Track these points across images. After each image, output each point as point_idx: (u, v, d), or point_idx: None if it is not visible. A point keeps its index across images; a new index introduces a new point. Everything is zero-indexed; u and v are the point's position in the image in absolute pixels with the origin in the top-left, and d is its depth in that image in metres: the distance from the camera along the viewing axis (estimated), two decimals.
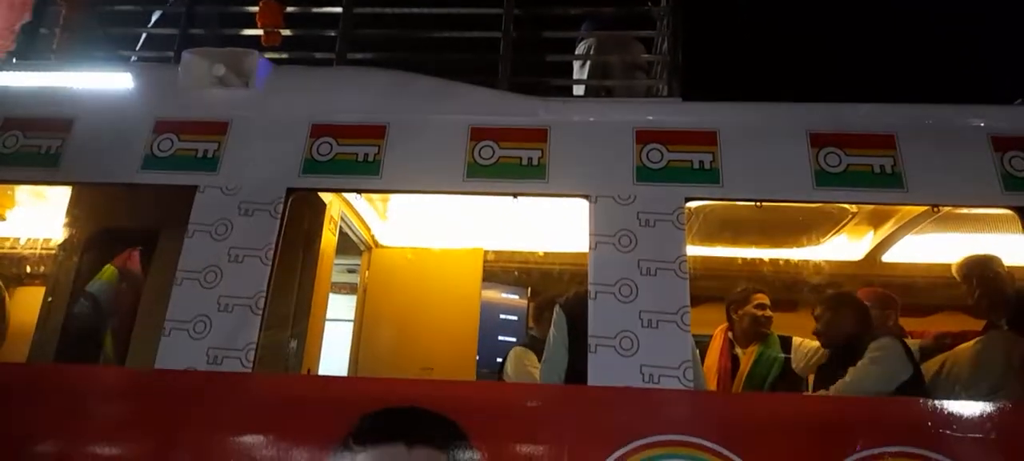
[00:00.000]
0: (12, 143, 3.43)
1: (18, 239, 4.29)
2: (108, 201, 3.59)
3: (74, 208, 3.66)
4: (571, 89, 3.85)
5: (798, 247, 4.24)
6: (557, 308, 3.24)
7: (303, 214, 3.47)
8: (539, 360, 3.36)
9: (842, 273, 4.21)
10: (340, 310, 4.67)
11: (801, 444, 2.60)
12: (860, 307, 3.44)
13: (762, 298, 3.84)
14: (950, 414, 2.60)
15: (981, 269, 3.22)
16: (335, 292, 4.52)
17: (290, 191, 3.18)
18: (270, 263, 3.02)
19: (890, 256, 4.25)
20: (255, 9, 3.94)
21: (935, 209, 3.41)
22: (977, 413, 2.61)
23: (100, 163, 3.35)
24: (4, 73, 3.65)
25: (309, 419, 2.70)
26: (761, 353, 3.76)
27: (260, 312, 2.93)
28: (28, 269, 4.17)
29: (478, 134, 3.25)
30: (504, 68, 3.66)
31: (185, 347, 2.88)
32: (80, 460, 2.75)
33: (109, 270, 3.53)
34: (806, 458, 2.57)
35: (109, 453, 2.76)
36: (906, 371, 3.06)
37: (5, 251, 4.29)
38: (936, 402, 2.67)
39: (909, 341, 3.43)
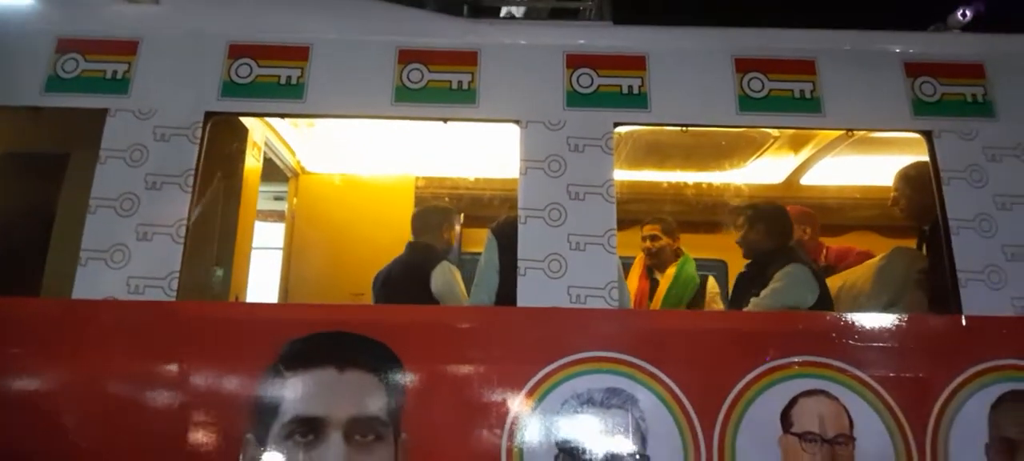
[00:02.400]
0: None
1: None
2: (12, 124, 3.37)
3: None
4: (499, 10, 3.78)
5: (722, 171, 4.38)
6: (488, 232, 3.27)
7: (224, 139, 3.34)
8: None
9: (763, 195, 4.38)
10: (269, 239, 4.59)
11: (717, 355, 2.75)
12: (779, 218, 3.59)
13: (651, 229, 4.06)
14: (853, 325, 2.80)
15: (919, 175, 3.34)
16: (262, 220, 4.43)
17: (209, 115, 3.05)
18: (190, 190, 2.91)
19: (808, 178, 4.44)
20: None
21: (850, 133, 3.57)
22: (877, 325, 2.80)
23: (0, 85, 3.12)
24: None
25: (237, 346, 2.69)
26: (677, 276, 3.95)
27: (182, 240, 2.84)
28: None
29: (406, 56, 3.17)
30: None
31: (103, 277, 2.78)
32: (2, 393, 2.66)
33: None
34: (722, 367, 2.72)
35: (31, 386, 2.68)
36: (812, 294, 3.24)
37: None
38: (841, 315, 2.86)
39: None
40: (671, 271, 3.96)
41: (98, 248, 2.83)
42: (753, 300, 3.27)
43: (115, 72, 3.11)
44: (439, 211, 3.86)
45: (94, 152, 2.97)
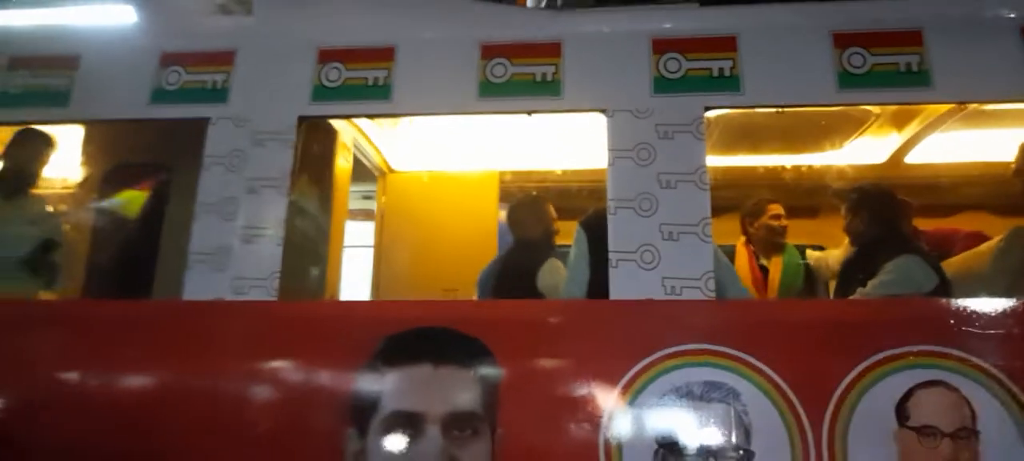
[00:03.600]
0: (21, 83, 3.40)
1: None
2: (121, 136, 3.58)
3: (88, 145, 3.66)
4: None
5: (820, 152, 4.17)
6: (578, 226, 3.23)
7: (315, 142, 3.44)
8: None
9: (864, 177, 4.15)
10: (358, 237, 4.71)
11: (823, 345, 2.61)
12: (885, 201, 3.38)
13: (776, 208, 3.83)
14: (973, 312, 2.60)
15: None
16: (351, 219, 4.55)
17: (302, 119, 3.15)
18: (286, 193, 3.02)
19: (913, 157, 4.18)
20: None
21: (961, 107, 3.33)
22: (999, 310, 2.60)
23: (110, 99, 3.33)
24: (5, 11, 3.59)
25: (336, 343, 2.76)
26: (787, 262, 3.78)
27: (281, 241, 2.95)
28: (49, 208, 4.21)
29: (490, 51, 3.17)
30: None
31: (210, 279, 2.92)
32: (118, 391, 2.83)
33: (135, 196, 3.54)
34: (829, 358, 2.58)
35: (146, 385, 2.84)
36: (929, 283, 3.03)
37: None
38: (958, 301, 2.66)
39: None
40: (778, 259, 3.79)
41: (204, 251, 2.97)
42: (860, 291, 3.09)
43: (214, 82, 3.25)
44: (532, 204, 3.84)
45: (195, 161, 3.12)
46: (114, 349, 2.88)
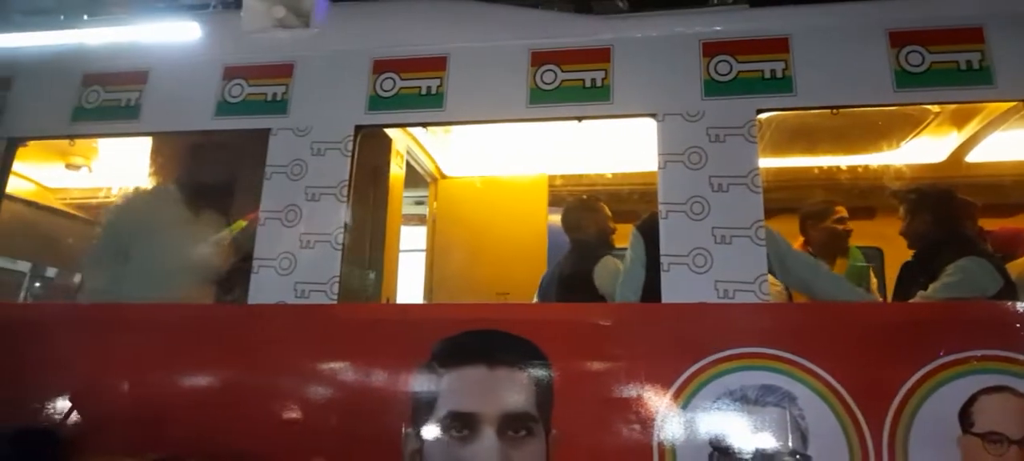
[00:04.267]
0: (94, 98, 3.59)
1: (110, 188, 4.54)
2: (186, 147, 3.74)
3: (158, 156, 3.83)
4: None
5: (876, 152, 4.08)
6: (633, 229, 3.25)
7: (371, 150, 3.54)
8: None
9: (923, 177, 4.05)
10: (411, 241, 4.80)
11: (882, 349, 2.57)
12: (945, 202, 3.29)
13: (842, 211, 3.75)
14: None
15: None
16: (405, 224, 4.64)
17: (359, 128, 3.25)
18: (345, 200, 3.12)
19: (975, 156, 4.06)
20: None
21: None
22: None
23: (177, 112, 3.48)
24: (78, 30, 3.78)
25: (394, 345, 2.84)
26: (851, 266, 3.70)
27: (340, 247, 3.05)
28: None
29: (539, 58, 3.22)
30: None
31: (274, 283, 3.04)
32: (186, 392, 2.97)
33: (241, 223, 3.65)
34: (889, 362, 2.54)
35: (214, 385, 2.97)
36: (993, 285, 2.95)
37: (100, 200, 4.56)
38: (1021, 303, 2.59)
39: None
40: (842, 262, 3.70)
41: (268, 257, 3.09)
42: (920, 294, 3.02)
43: (275, 94, 3.38)
44: (586, 205, 3.85)
45: (258, 170, 3.24)
46: (182, 352, 3.02)
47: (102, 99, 3.59)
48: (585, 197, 4.07)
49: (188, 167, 3.70)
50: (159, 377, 2.99)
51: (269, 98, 3.38)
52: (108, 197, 4.55)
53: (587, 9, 3.50)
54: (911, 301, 3.09)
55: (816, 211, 3.80)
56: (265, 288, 3.05)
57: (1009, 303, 2.76)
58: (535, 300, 3.61)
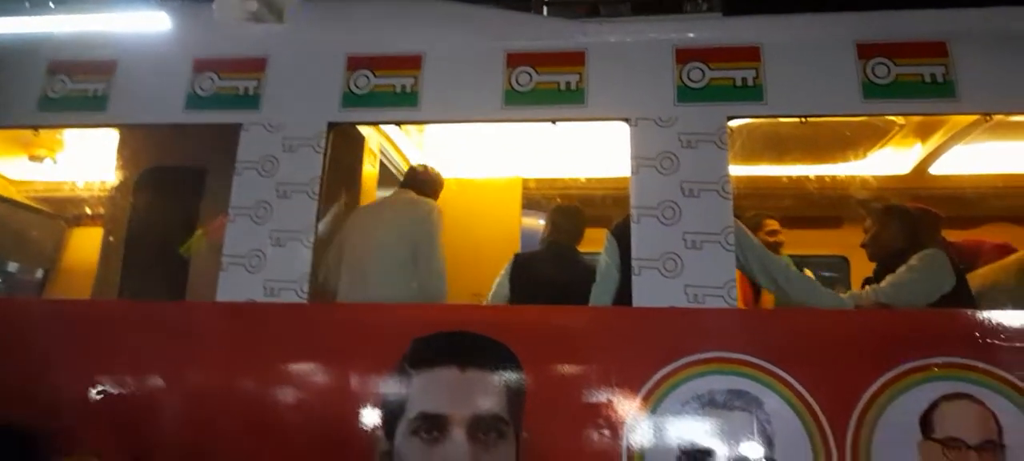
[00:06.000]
0: (60, 88, 3.50)
1: (75, 182, 4.44)
2: (155, 140, 3.67)
3: (124, 149, 3.75)
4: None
5: (843, 162, 4.16)
6: (608, 234, 3.26)
7: (344, 148, 3.51)
8: None
9: (888, 187, 4.14)
10: None
11: (847, 356, 2.62)
12: (909, 219, 3.37)
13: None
14: (999, 324, 2.60)
15: None
16: None
17: (331, 125, 3.21)
18: (316, 197, 3.08)
19: (938, 168, 4.16)
20: None
21: (986, 118, 3.31)
22: None
23: (145, 104, 3.41)
24: (45, 18, 3.69)
25: (366, 345, 2.82)
26: None
27: (311, 245, 3.01)
28: (87, 210, 4.32)
29: (515, 60, 3.22)
30: None
31: (242, 280, 3.00)
32: (149, 390, 2.91)
33: (199, 237, 3.59)
34: (853, 369, 2.59)
35: (179, 383, 2.91)
36: (949, 282, 3.02)
37: (65, 194, 4.45)
38: (983, 312, 2.66)
39: None
40: None
41: (238, 253, 3.04)
42: (888, 278, 3.08)
43: (247, 88, 3.33)
44: (574, 213, 3.77)
45: (228, 165, 3.19)
46: (146, 349, 2.95)
47: (68, 89, 3.50)
48: (576, 205, 4.03)
49: None
50: (125, 376, 2.92)
51: (241, 92, 3.33)
52: (74, 191, 4.44)
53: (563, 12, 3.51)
54: (876, 308, 3.14)
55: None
56: (233, 286, 3.00)
57: (969, 312, 2.83)
58: (500, 280, 3.57)
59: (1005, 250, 3.67)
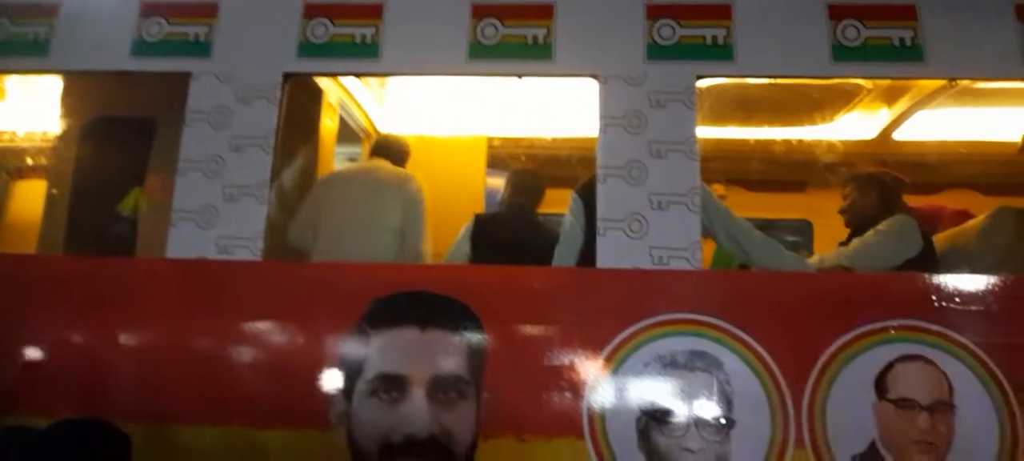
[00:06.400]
0: (1, 32, 3.29)
1: (15, 132, 4.22)
2: (102, 88, 3.49)
3: (68, 97, 3.56)
4: None
5: (811, 125, 4.17)
6: (573, 194, 3.22)
7: (301, 101, 3.38)
8: None
9: (854, 151, 4.16)
10: None
11: (808, 317, 2.63)
12: (884, 188, 3.41)
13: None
14: (954, 288, 2.63)
15: None
16: None
17: (287, 76, 3.08)
18: (272, 151, 2.97)
19: (901, 133, 4.19)
20: None
21: (952, 84, 3.33)
22: (981, 288, 2.63)
23: (89, 50, 3.23)
24: None
25: (324, 304, 2.74)
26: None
27: (265, 201, 2.91)
28: (29, 161, 4.13)
29: (480, 11, 3.11)
30: None
31: (194, 236, 2.88)
32: (101, 346, 2.80)
33: (137, 194, 3.44)
34: (812, 330, 2.60)
35: (128, 343, 2.81)
36: (915, 246, 3.07)
37: (5, 144, 4.24)
38: (939, 277, 2.69)
39: None
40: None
41: (188, 208, 2.92)
42: (855, 240, 3.11)
43: (197, 35, 3.17)
44: (535, 178, 3.74)
45: (178, 115, 3.04)
46: (96, 307, 2.84)
47: (9, 32, 3.30)
48: (537, 172, 3.98)
49: None
50: (72, 332, 2.81)
51: (191, 39, 3.17)
52: (14, 141, 4.23)
53: None
54: (835, 256, 3.17)
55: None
56: (184, 242, 2.88)
57: (926, 276, 2.86)
58: (460, 239, 3.52)
59: (964, 216, 3.73)
